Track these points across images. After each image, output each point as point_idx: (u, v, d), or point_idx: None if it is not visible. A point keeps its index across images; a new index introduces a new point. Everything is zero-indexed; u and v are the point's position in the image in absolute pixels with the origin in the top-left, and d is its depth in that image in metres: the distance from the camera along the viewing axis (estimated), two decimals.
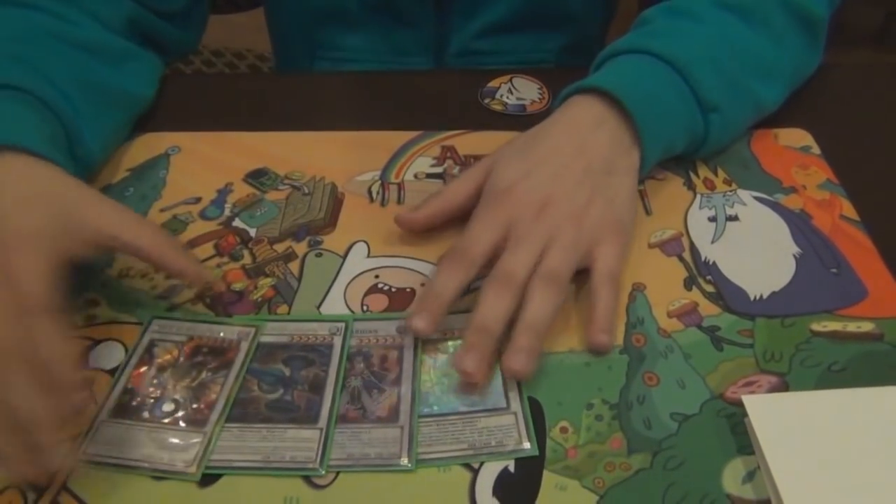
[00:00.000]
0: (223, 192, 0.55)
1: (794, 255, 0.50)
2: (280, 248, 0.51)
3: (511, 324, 0.43)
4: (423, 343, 0.45)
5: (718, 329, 0.45)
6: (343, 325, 0.45)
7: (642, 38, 0.55)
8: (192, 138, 0.60)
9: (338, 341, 0.45)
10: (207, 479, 0.38)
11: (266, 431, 0.40)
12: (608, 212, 0.47)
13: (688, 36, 0.54)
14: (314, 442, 0.39)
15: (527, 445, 0.39)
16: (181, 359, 0.44)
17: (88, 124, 0.52)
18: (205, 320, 0.46)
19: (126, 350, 0.44)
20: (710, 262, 0.49)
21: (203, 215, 0.53)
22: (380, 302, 0.47)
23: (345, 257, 0.50)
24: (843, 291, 0.47)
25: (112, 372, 0.43)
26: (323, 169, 0.57)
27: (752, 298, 0.47)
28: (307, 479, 0.38)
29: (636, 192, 0.50)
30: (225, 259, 0.50)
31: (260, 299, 0.47)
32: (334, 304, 0.47)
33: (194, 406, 0.41)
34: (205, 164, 0.58)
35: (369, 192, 0.55)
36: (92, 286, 0.48)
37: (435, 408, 0.41)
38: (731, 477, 0.38)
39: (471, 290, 0.47)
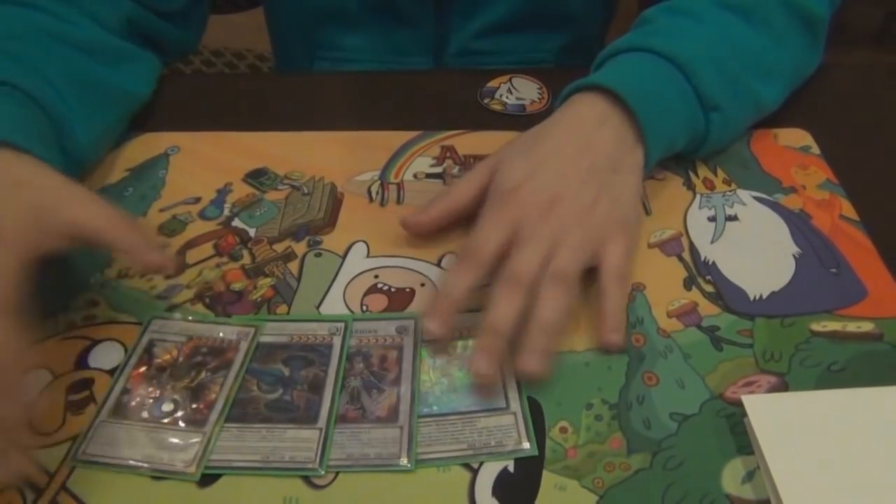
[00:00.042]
0: (223, 192, 0.55)
1: (794, 255, 0.50)
2: (279, 248, 0.51)
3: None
4: (423, 343, 0.45)
5: (718, 329, 0.45)
6: (342, 325, 0.45)
7: (644, 36, 0.55)
8: (191, 138, 0.60)
9: (337, 341, 0.45)
10: (207, 480, 0.38)
11: (265, 431, 0.40)
12: (614, 210, 0.47)
13: (689, 35, 0.54)
14: (313, 442, 0.39)
15: (526, 445, 0.39)
16: (180, 359, 0.44)
17: (80, 120, 0.52)
18: (204, 320, 0.46)
19: (125, 350, 0.44)
20: (710, 262, 0.49)
21: (202, 215, 0.53)
22: (379, 302, 0.47)
23: (344, 257, 0.50)
24: (842, 291, 0.47)
25: (111, 372, 0.43)
26: (322, 169, 0.57)
27: (751, 298, 0.47)
28: (307, 480, 0.38)
29: (641, 190, 0.50)
30: (224, 259, 0.50)
31: (259, 299, 0.47)
32: (334, 304, 0.47)
33: (194, 406, 0.41)
34: (204, 164, 0.58)
35: (369, 192, 0.55)
36: (91, 286, 0.48)
37: (434, 408, 0.41)
38: (731, 477, 0.38)
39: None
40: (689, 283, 0.48)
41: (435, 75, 0.72)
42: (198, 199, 0.55)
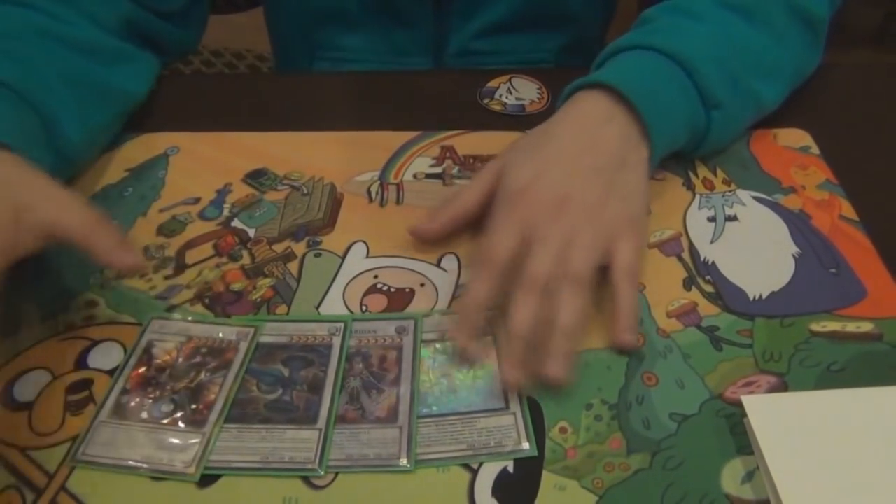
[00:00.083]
0: (222, 193, 0.55)
1: (794, 255, 0.50)
2: (279, 248, 0.51)
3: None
4: (423, 343, 0.45)
5: (717, 329, 0.45)
6: (342, 325, 0.45)
7: (645, 34, 0.55)
8: (191, 138, 0.60)
9: (337, 342, 0.45)
10: (206, 480, 0.38)
11: (265, 432, 0.40)
12: (623, 208, 0.47)
13: (691, 33, 0.54)
14: (313, 442, 0.39)
15: (526, 446, 0.39)
16: (180, 359, 0.44)
17: (73, 119, 0.52)
18: (203, 321, 0.46)
19: (125, 350, 0.44)
20: (710, 263, 0.49)
21: (202, 216, 0.53)
22: (379, 302, 0.47)
23: (344, 257, 0.50)
24: (842, 291, 0.47)
25: (111, 372, 0.43)
26: (322, 169, 0.57)
27: (751, 298, 0.47)
28: (306, 480, 0.38)
29: (648, 186, 0.50)
30: (224, 259, 0.50)
31: (259, 300, 0.47)
32: (333, 305, 0.47)
33: (193, 406, 0.41)
34: (204, 164, 0.58)
35: (368, 192, 0.55)
36: (91, 286, 0.48)
37: (434, 408, 0.41)
38: (730, 477, 0.38)
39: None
40: (688, 284, 0.48)
41: (435, 75, 0.72)
42: (197, 200, 0.55)
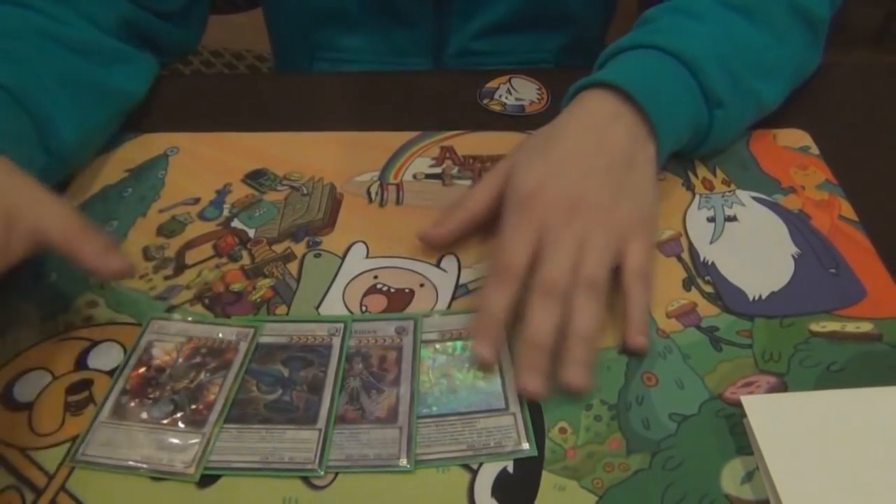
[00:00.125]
0: (222, 193, 0.55)
1: (793, 256, 0.50)
2: (279, 248, 0.51)
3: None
4: (423, 343, 0.45)
5: (717, 329, 0.45)
6: (342, 325, 0.45)
7: (648, 34, 0.55)
8: (190, 139, 0.60)
9: (336, 342, 0.45)
10: (206, 480, 0.38)
11: (265, 432, 0.40)
12: (634, 208, 0.47)
13: (693, 32, 0.54)
14: (313, 443, 0.39)
15: (525, 446, 0.39)
16: (180, 360, 0.44)
17: (67, 120, 0.52)
18: (203, 321, 0.46)
19: (125, 351, 0.44)
20: (709, 263, 0.49)
21: (202, 216, 0.53)
22: (379, 302, 0.47)
23: (343, 258, 0.50)
24: (841, 292, 0.47)
25: (111, 373, 0.43)
26: (322, 169, 0.57)
27: (750, 299, 0.47)
28: (306, 480, 0.38)
29: (657, 185, 0.50)
30: (224, 260, 0.50)
31: (259, 300, 0.47)
32: (333, 305, 0.47)
33: (193, 407, 0.41)
34: (203, 164, 0.58)
35: (368, 192, 0.55)
36: (91, 287, 0.48)
37: (434, 408, 0.41)
38: (730, 477, 0.38)
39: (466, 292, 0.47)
40: (688, 284, 0.48)
41: (434, 76, 0.72)
42: (197, 200, 0.55)
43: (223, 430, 0.40)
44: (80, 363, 0.44)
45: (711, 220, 0.52)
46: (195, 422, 0.40)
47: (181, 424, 0.40)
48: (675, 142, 0.53)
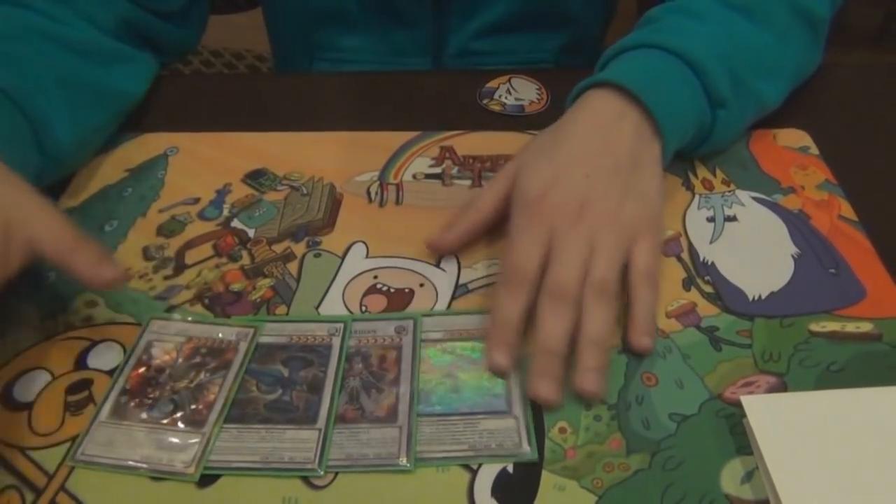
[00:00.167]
0: (222, 193, 0.55)
1: (793, 256, 0.50)
2: (279, 248, 0.51)
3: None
4: (429, 343, 0.45)
5: (717, 329, 0.45)
6: (342, 325, 0.45)
7: (650, 33, 0.55)
8: (190, 139, 0.60)
9: (336, 342, 0.45)
10: (206, 480, 0.38)
11: (265, 432, 0.40)
12: (641, 208, 0.47)
13: (695, 32, 0.54)
14: (313, 442, 0.39)
15: (527, 449, 0.39)
16: (179, 359, 0.44)
17: (63, 120, 0.52)
18: (203, 321, 0.46)
19: (124, 351, 0.44)
20: (709, 263, 0.49)
21: (201, 216, 0.53)
22: (378, 302, 0.47)
23: (343, 258, 0.50)
24: (841, 292, 0.47)
25: (110, 373, 0.43)
26: (321, 169, 0.57)
27: (750, 299, 0.47)
28: (306, 480, 0.38)
29: (663, 184, 0.50)
30: (223, 260, 0.50)
31: (258, 300, 0.47)
32: (333, 305, 0.47)
33: (193, 407, 0.41)
34: (203, 164, 0.58)
35: (368, 192, 0.55)
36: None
37: (437, 407, 0.41)
38: (730, 477, 0.38)
39: (466, 291, 0.47)
40: (687, 284, 0.48)
41: (434, 76, 0.72)
42: (197, 200, 0.55)
43: (223, 430, 0.40)
44: (80, 363, 0.44)
45: (711, 220, 0.52)
46: (195, 422, 0.40)
47: (181, 424, 0.40)
48: (679, 141, 0.52)
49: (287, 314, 0.47)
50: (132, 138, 0.60)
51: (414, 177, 0.56)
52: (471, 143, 0.59)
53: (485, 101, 0.64)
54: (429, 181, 0.56)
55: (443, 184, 0.56)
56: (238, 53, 1.43)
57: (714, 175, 0.56)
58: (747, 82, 0.54)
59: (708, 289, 0.48)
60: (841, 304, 0.46)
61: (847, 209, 0.53)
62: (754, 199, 0.54)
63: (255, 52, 1.41)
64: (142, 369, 0.43)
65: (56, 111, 0.51)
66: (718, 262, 0.49)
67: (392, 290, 0.48)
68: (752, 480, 0.38)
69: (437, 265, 0.49)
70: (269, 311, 0.47)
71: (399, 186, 0.56)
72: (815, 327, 0.45)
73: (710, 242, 0.51)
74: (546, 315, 0.43)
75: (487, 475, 0.38)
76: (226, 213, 0.54)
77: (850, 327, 0.45)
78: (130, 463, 0.39)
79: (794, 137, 0.59)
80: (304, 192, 0.55)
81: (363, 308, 0.47)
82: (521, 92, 0.65)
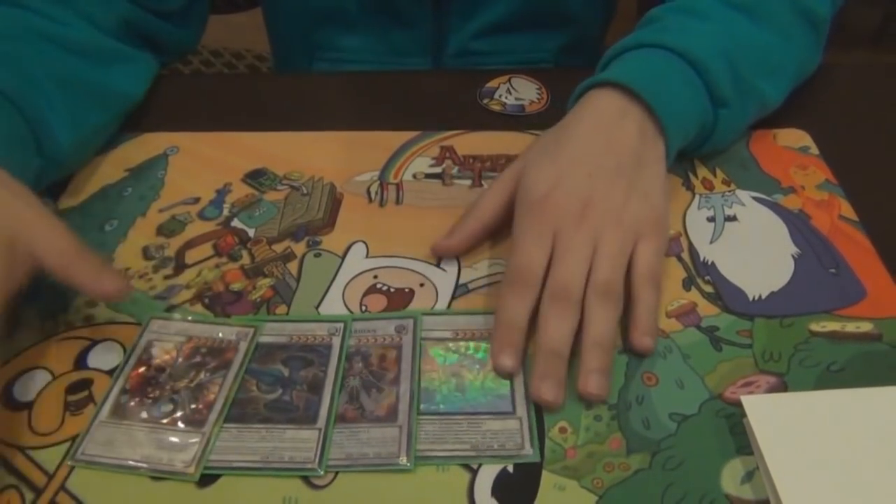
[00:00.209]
0: (222, 193, 0.55)
1: (793, 256, 0.50)
2: (279, 248, 0.51)
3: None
4: (431, 342, 0.45)
5: (717, 329, 0.45)
6: (342, 325, 0.45)
7: (653, 33, 0.55)
8: (190, 138, 0.60)
9: (336, 341, 0.45)
10: (206, 480, 0.38)
11: (265, 432, 0.40)
12: (646, 207, 0.47)
13: (698, 32, 0.54)
14: (313, 442, 0.39)
15: (529, 451, 0.39)
16: (179, 359, 0.44)
17: (63, 122, 0.52)
18: (203, 321, 0.46)
19: (124, 350, 0.44)
20: (709, 263, 0.49)
21: (201, 215, 0.53)
22: (378, 302, 0.47)
23: (343, 257, 0.50)
24: (841, 292, 0.47)
25: (110, 372, 0.43)
26: (321, 169, 0.57)
27: (750, 299, 0.47)
28: (306, 480, 0.38)
29: (667, 182, 0.50)
30: (223, 259, 0.50)
31: (258, 300, 0.47)
32: (333, 305, 0.47)
33: (193, 406, 0.41)
34: (203, 164, 0.58)
35: (368, 192, 0.55)
36: None
37: (441, 406, 0.41)
38: (730, 477, 0.38)
39: (468, 291, 0.47)
40: (688, 284, 0.48)
41: (434, 75, 0.72)
42: (197, 200, 0.55)
43: (223, 430, 0.40)
44: (80, 362, 0.44)
45: (711, 219, 0.52)
46: (195, 421, 0.40)
47: (181, 424, 0.40)
48: (682, 140, 0.52)
49: (287, 314, 0.47)
50: (132, 138, 0.60)
51: (414, 176, 0.56)
52: (471, 142, 0.59)
53: (485, 101, 0.64)
54: (429, 181, 0.56)
55: (443, 183, 0.56)
56: (238, 53, 1.43)
57: (714, 175, 0.56)
58: (749, 82, 0.54)
59: (708, 288, 0.48)
60: (841, 304, 0.46)
61: (847, 209, 0.53)
62: (754, 198, 0.54)
63: (255, 52, 1.41)
64: (142, 369, 0.43)
65: (56, 112, 0.51)
66: (719, 261, 0.49)
67: (392, 290, 0.48)
68: (752, 480, 0.38)
69: (438, 265, 0.49)
70: (269, 310, 0.47)
71: (399, 186, 0.56)
72: (815, 327, 0.45)
73: (711, 242, 0.51)
74: (549, 316, 0.43)
75: (488, 475, 0.38)
76: (226, 212, 0.54)
77: (851, 327, 0.45)
78: (130, 463, 0.39)
79: (794, 137, 0.59)
80: (304, 191, 0.55)
81: (363, 308, 0.47)
82: (522, 92, 0.65)
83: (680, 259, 0.50)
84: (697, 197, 0.54)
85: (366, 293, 0.48)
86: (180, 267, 0.50)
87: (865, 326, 0.45)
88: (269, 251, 0.51)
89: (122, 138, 0.60)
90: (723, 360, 0.44)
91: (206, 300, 0.47)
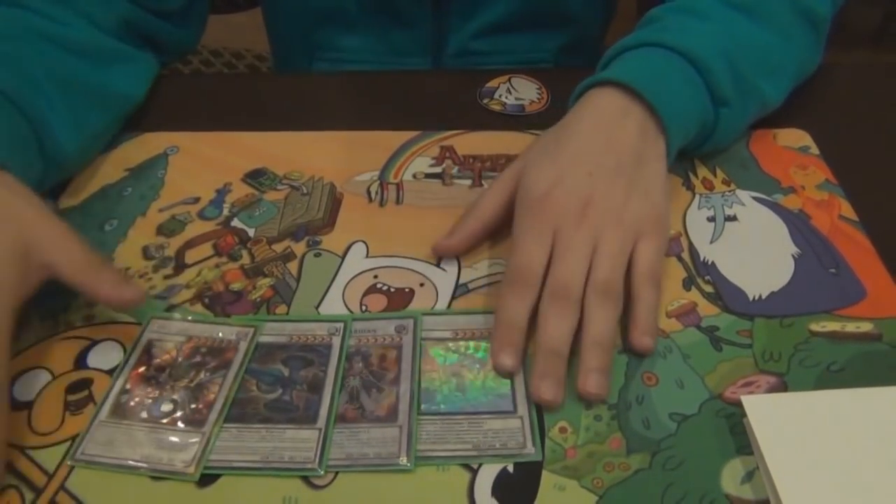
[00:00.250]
0: (222, 192, 0.55)
1: (793, 256, 0.50)
2: (279, 248, 0.51)
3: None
4: (431, 342, 0.45)
5: (717, 329, 0.45)
6: (342, 325, 0.45)
7: (653, 32, 0.54)
8: (190, 138, 0.60)
9: (336, 341, 0.45)
10: (206, 480, 0.38)
11: (265, 431, 0.40)
12: (646, 206, 0.47)
13: (698, 32, 0.54)
14: (313, 442, 0.39)
15: (531, 450, 0.39)
16: (180, 359, 0.44)
17: (65, 123, 0.52)
18: (203, 320, 0.46)
19: (125, 350, 0.44)
20: (709, 263, 0.49)
21: (201, 215, 0.53)
22: (378, 302, 0.47)
23: (343, 257, 0.50)
24: (841, 292, 0.47)
25: (110, 372, 0.43)
26: (321, 169, 0.57)
27: (750, 298, 0.47)
28: (306, 480, 0.38)
29: (668, 181, 0.50)
30: (223, 259, 0.50)
31: (258, 299, 0.47)
32: (333, 304, 0.47)
33: (193, 406, 0.41)
34: (203, 164, 0.58)
35: (368, 192, 0.55)
36: None
37: (442, 406, 0.41)
38: (730, 477, 0.38)
39: (467, 290, 0.47)
40: (688, 284, 0.48)
41: (434, 75, 0.72)
42: (197, 199, 0.55)
43: (223, 430, 0.40)
44: (80, 362, 0.44)
45: (711, 219, 0.52)
46: (195, 421, 0.40)
47: (181, 424, 0.40)
48: (682, 139, 0.52)
49: (287, 314, 0.47)
50: (132, 138, 0.60)
51: (414, 176, 0.56)
52: (471, 142, 0.59)
53: (485, 101, 0.64)
54: (429, 181, 0.56)
55: (443, 183, 0.56)
56: (238, 53, 1.43)
57: (714, 175, 0.56)
58: (750, 81, 0.54)
59: (708, 288, 0.48)
60: (841, 304, 0.46)
61: (847, 209, 0.53)
62: (754, 198, 0.54)
63: (254, 51, 1.41)
64: (142, 368, 0.43)
65: (57, 115, 0.51)
66: (719, 261, 0.49)
67: (392, 290, 0.48)
68: (752, 480, 0.38)
69: (438, 265, 0.49)
70: (269, 310, 0.47)
71: (399, 186, 0.56)
72: (815, 327, 0.45)
73: (711, 242, 0.51)
74: (549, 315, 0.43)
75: (488, 475, 0.38)
76: (226, 212, 0.54)
77: (851, 327, 0.45)
78: (130, 462, 0.39)
79: (794, 137, 0.59)
80: (304, 191, 0.55)
81: (363, 307, 0.47)
82: (522, 91, 0.65)
83: (680, 259, 0.50)
84: (697, 197, 0.54)
85: (366, 293, 0.48)
86: (180, 267, 0.50)
87: (865, 326, 0.45)
88: (269, 251, 0.51)
89: (122, 138, 0.60)
90: (723, 360, 0.44)
91: (206, 300, 0.47)
